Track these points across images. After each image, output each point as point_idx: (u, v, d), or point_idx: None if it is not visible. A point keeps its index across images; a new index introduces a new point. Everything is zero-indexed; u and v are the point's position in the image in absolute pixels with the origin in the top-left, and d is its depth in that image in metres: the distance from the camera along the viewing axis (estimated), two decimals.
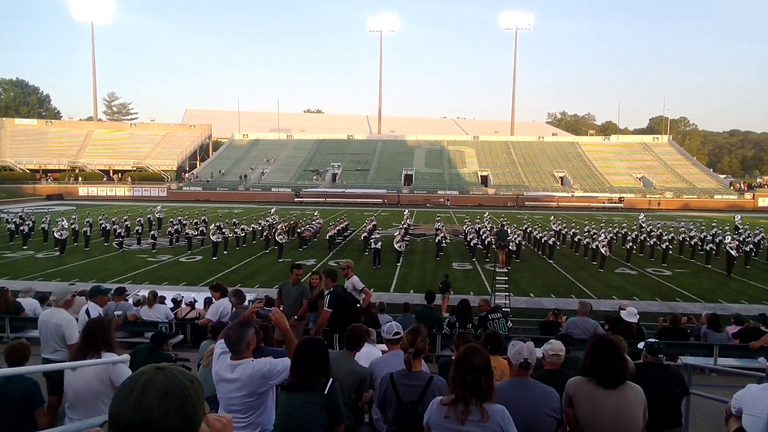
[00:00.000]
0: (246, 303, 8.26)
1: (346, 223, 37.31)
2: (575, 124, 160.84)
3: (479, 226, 34.26)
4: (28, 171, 78.53)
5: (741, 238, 32.12)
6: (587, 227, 34.92)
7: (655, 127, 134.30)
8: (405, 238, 30.81)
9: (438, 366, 5.97)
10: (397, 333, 5.28)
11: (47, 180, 75.64)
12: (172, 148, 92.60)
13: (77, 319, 6.94)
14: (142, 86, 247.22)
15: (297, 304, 7.91)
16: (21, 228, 33.21)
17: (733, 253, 26.69)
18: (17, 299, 11.10)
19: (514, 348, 4.29)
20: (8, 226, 34.34)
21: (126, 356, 4.71)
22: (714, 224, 40.15)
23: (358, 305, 7.61)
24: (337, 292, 7.23)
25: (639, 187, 74.96)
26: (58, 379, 4.96)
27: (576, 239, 32.60)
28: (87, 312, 7.42)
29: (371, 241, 29.59)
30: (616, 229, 36.62)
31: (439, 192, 72.94)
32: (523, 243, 31.59)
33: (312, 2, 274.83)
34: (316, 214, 40.35)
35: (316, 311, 7.75)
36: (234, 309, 7.94)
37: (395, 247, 27.16)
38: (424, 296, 9.81)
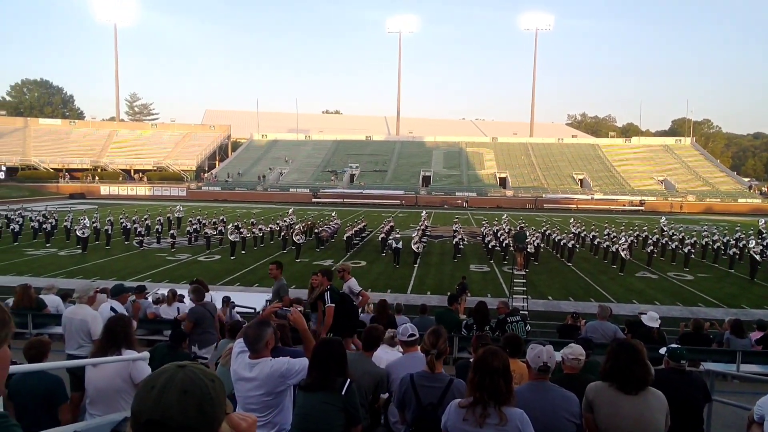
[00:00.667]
0: (207, 299, 8.37)
1: (363, 224, 36.66)
2: (596, 126, 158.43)
3: (497, 228, 33.56)
4: (51, 170, 78.95)
5: (765, 243, 31.33)
6: (607, 230, 34.18)
7: (677, 129, 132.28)
8: (422, 240, 30.26)
9: (455, 368, 5.91)
10: (412, 335, 5.22)
11: (65, 179, 75.34)
12: (192, 148, 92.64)
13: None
14: (163, 87, 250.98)
15: (274, 300, 8.15)
16: (44, 226, 33.61)
17: (757, 257, 26.13)
18: (40, 296, 11.05)
19: (534, 351, 4.24)
20: (32, 224, 34.60)
21: (146, 353, 4.72)
22: (737, 228, 39.30)
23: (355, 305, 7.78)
24: (334, 290, 7.22)
25: (661, 190, 73.60)
26: (81, 375, 4.96)
27: (596, 242, 31.87)
28: (113, 309, 7.39)
29: (391, 240, 29.00)
30: (637, 233, 35.66)
31: (457, 193, 71.90)
32: (542, 245, 30.97)
33: (332, 3, 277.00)
34: (333, 214, 40.15)
35: (317, 312, 7.60)
36: (194, 306, 8.13)
37: (413, 248, 26.86)
38: (447, 299, 9.67)
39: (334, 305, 6.68)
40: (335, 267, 8.76)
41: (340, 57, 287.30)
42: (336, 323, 6.91)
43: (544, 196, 71.06)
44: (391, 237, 29.64)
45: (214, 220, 36.57)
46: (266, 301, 9.73)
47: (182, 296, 11.70)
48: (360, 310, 7.60)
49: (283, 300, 7.88)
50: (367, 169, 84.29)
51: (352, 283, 8.26)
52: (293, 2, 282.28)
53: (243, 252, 29.07)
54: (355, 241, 32.03)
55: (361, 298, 8.30)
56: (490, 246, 29.13)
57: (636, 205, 66.91)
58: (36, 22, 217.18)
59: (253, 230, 32.39)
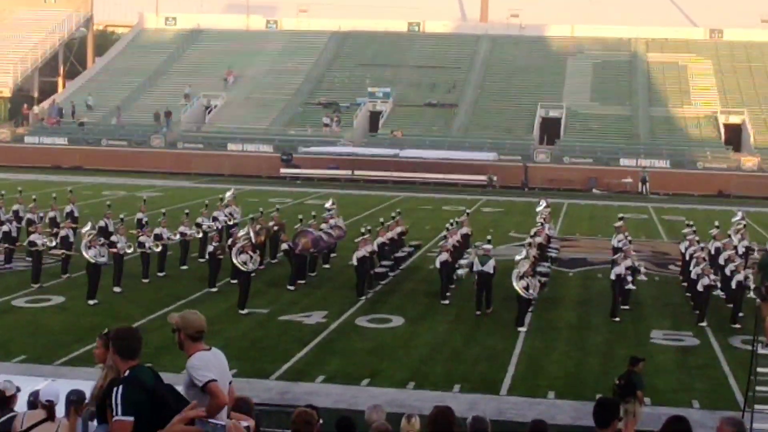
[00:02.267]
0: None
1: (399, 230, 27.74)
2: None
3: (720, 244, 25.09)
4: None
5: None
6: None
7: None
8: (540, 270, 22.26)
9: None
10: None
11: None
12: (2, 47, 62.43)
13: None
14: None
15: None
16: None
17: None
18: None
19: None
20: None
21: None
22: None
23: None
24: (139, 383, 5.36)
25: None
26: None
27: None
28: None
29: (460, 267, 22.22)
30: None
31: (622, 161, 50.45)
32: None
33: None
34: (328, 204, 29.22)
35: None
36: None
37: (516, 288, 18.25)
38: (594, 410, 5.86)
39: (131, 419, 5.17)
40: None
41: None
42: None
43: None
44: (458, 264, 22.23)
45: (51, 213, 26.02)
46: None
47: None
48: None
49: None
50: (409, 101, 57.74)
51: (195, 363, 5.72)
52: None
53: (116, 290, 20.42)
54: (381, 270, 24.22)
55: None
56: (700, 287, 20.46)
57: None
58: None
59: (142, 238, 22.65)
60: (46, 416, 7.41)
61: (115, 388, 5.40)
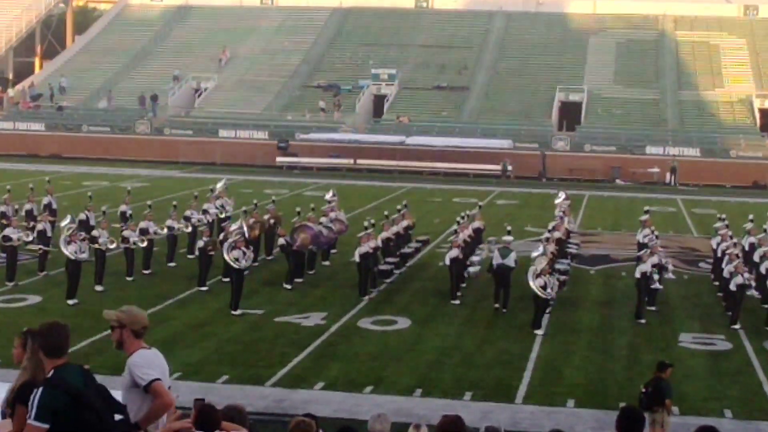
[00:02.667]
0: None
1: (405, 224, 28.45)
2: None
3: (755, 239, 25.43)
4: None
5: None
6: None
7: None
8: (559, 268, 22.59)
9: None
10: None
11: None
12: None
13: None
14: None
15: None
16: None
17: None
18: None
19: None
20: None
21: None
22: None
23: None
24: (64, 382, 5.26)
25: None
26: None
27: None
28: None
29: (471, 263, 22.73)
30: None
31: (648, 149, 51.46)
32: None
33: None
34: (329, 196, 29.81)
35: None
36: None
37: (532, 286, 18.66)
38: (617, 420, 5.88)
39: (45, 426, 5.11)
40: None
41: None
42: None
43: None
44: (469, 261, 22.69)
45: (28, 206, 26.48)
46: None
47: None
48: None
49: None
50: (416, 83, 58.68)
51: (136, 361, 5.79)
52: None
53: (98, 288, 20.90)
54: (385, 267, 24.69)
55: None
56: (733, 286, 20.79)
57: None
58: None
59: (126, 232, 23.20)
60: None
61: (35, 390, 5.33)
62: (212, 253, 22.09)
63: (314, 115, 54.39)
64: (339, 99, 55.26)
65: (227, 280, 20.44)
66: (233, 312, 18.88)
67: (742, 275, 19.57)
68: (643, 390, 11.90)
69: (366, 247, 21.72)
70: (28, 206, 26.14)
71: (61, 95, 56.41)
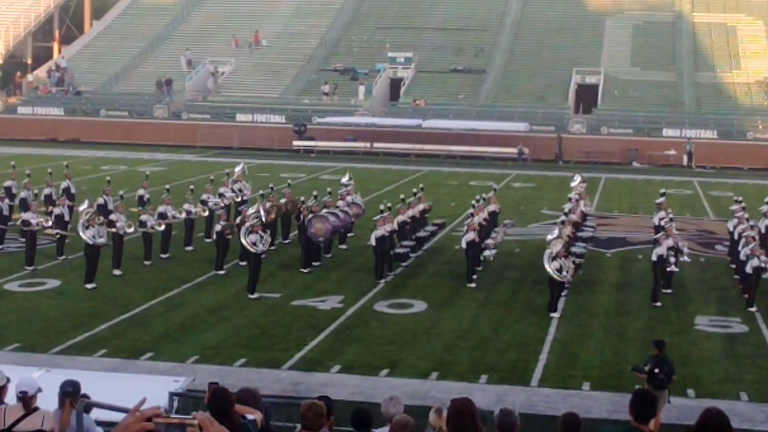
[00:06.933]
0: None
1: (422, 207, 28.33)
2: None
3: None
4: None
5: None
6: None
7: None
8: (575, 251, 22.38)
9: None
10: None
11: None
12: None
13: None
14: None
15: None
16: None
17: None
18: None
19: None
20: None
21: None
22: None
23: None
24: None
25: None
26: None
27: None
28: None
29: (487, 247, 22.57)
30: None
31: (665, 132, 51.36)
32: None
33: None
34: (345, 179, 29.85)
35: None
36: None
37: (548, 270, 18.69)
38: (631, 401, 6.03)
39: None
40: None
41: None
42: None
43: None
44: (485, 243, 22.51)
45: (46, 190, 26.60)
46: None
47: None
48: None
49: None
50: (433, 66, 58.87)
51: None
52: None
53: (116, 273, 20.86)
54: (401, 250, 24.56)
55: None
56: (749, 269, 20.51)
57: None
58: None
59: (143, 216, 23.32)
60: (24, 410, 7.36)
61: None
62: (229, 236, 21.90)
63: (331, 100, 54.65)
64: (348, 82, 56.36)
65: (244, 263, 20.27)
66: (250, 295, 18.83)
67: (759, 258, 19.29)
68: (656, 371, 11.89)
69: (382, 231, 21.48)
70: (46, 191, 25.96)
71: (108, 84, 57.46)
